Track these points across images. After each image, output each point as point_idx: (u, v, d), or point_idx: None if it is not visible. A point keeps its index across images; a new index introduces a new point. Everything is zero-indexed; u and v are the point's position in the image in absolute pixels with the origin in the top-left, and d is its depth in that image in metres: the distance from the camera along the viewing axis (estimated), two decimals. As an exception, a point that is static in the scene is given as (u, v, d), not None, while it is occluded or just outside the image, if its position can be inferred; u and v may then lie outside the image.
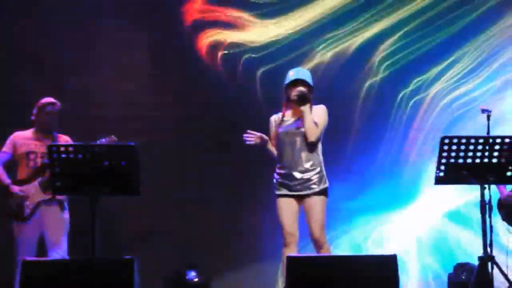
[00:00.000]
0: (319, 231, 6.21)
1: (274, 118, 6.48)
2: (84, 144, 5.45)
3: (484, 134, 5.98)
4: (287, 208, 6.26)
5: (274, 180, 6.35)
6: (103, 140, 6.63)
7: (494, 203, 6.04)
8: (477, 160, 5.32)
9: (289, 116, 6.41)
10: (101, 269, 5.17)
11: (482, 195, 5.43)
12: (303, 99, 6.23)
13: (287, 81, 6.39)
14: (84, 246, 5.28)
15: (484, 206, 5.44)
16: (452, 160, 5.31)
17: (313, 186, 6.23)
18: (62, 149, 5.23)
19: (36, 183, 6.72)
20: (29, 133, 6.92)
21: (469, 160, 5.31)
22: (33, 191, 6.71)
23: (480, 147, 5.30)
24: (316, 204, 6.23)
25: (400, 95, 8.24)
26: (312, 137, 6.24)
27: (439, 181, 5.39)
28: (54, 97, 6.87)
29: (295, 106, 6.35)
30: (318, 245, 6.22)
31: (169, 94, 8.29)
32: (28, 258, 6.26)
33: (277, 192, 6.32)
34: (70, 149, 5.24)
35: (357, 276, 5.17)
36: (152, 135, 7.99)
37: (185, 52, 8.35)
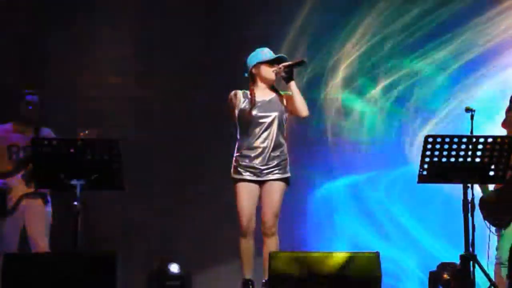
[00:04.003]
0: (272, 219, 5.97)
1: (241, 96, 6.11)
2: (67, 138, 5.45)
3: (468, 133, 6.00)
4: (249, 195, 5.99)
5: (236, 164, 6.06)
6: (86, 132, 6.59)
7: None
8: (460, 159, 5.36)
9: (261, 97, 6.11)
10: (83, 263, 5.16)
11: (465, 194, 5.47)
12: (291, 75, 5.99)
13: (263, 58, 6.10)
14: (66, 239, 5.27)
15: (467, 205, 5.48)
16: (435, 159, 5.34)
17: (278, 172, 6.01)
18: (46, 142, 5.23)
19: (19, 176, 6.69)
20: (9, 126, 6.88)
21: (452, 159, 5.35)
22: (16, 184, 6.68)
23: (463, 146, 5.34)
24: (277, 190, 5.99)
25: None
26: (305, 111, 6.03)
27: (422, 179, 5.42)
28: (39, 90, 6.87)
29: (271, 84, 6.12)
30: (267, 233, 5.98)
31: (154, 89, 8.28)
32: (10, 251, 6.27)
33: (238, 177, 6.03)
34: (54, 143, 5.24)
35: (339, 273, 5.18)
36: (136, 130, 7.99)
37: (173, 47, 8.33)
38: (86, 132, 6.53)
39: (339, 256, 5.39)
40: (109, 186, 5.38)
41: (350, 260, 5.25)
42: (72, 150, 5.22)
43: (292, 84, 6.03)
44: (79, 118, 7.81)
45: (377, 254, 5.18)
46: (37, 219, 6.75)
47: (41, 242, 6.73)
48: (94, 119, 7.67)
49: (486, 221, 6.29)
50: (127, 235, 7.95)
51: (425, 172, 5.38)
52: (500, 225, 6.26)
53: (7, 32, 8.14)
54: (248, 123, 6.06)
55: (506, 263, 5.90)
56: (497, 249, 6.29)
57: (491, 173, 5.42)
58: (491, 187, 6.29)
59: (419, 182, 5.44)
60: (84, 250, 5.29)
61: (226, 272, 7.98)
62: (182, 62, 8.29)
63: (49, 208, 6.82)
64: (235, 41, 7.97)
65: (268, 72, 6.11)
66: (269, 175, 6.02)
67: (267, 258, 5.56)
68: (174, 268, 7.63)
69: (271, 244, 5.99)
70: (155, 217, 8.02)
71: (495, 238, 6.34)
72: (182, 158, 8.14)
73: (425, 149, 5.32)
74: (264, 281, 5.91)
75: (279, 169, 6.03)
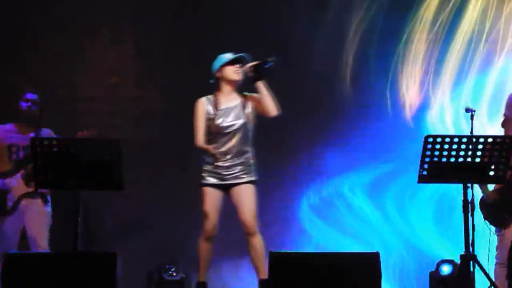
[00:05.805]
0: (253, 219, 6.03)
1: (205, 104, 6.20)
2: (67, 138, 5.45)
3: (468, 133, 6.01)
4: (215, 199, 6.08)
5: (203, 169, 6.13)
6: (86, 131, 6.59)
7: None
8: (460, 159, 5.36)
9: (226, 103, 6.15)
10: (83, 263, 5.16)
11: (465, 194, 5.48)
12: (259, 76, 5.96)
13: (223, 61, 6.12)
14: (66, 239, 5.27)
15: (467, 205, 5.48)
16: (435, 159, 5.35)
17: (243, 175, 6.06)
18: (45, 142, 5.23)
19: (18, 176, 6.69)
20: (11, 126, 6.88)
21: (452, 159, 5.35)
22: (15, 184, 6.69)
23: (463, 146, 5.34)
24: (248, 192, 6.05)
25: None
26: (274, 111, 6.03)
27: (422, 179, 5.43)
28: (39, 91, 6.87)
29: (236, 87, 6.14)
30: (250, 233, 6.03)
31: (154, 88, 8.28)
32: (10, 251, 6.27)
33: (203, 181, 6.11)
34: (53, 142, 5.23)
35: (340, 273, 5.18)
36: (135, 130, 7.99)
37: (172, 47, 8.32)
38: (86, 132, 6.55)
39: (339, 256, 5.40)
40: (109, 186, 5.38)
41: (350, 260, 5.26)
42: (72, 150, 5.22)
43: (259, 84, 6.02)
44: (79, 118, 7.81)
45: (377, 254, 5.19)
46: (37, 219, 6.75)
47: (41, 242, 6.73)
48: (94, 119, 7.67)
49: (486, 221, 6.29)
50: (127, 235, 7.95)
51: (425, 172, 5.39)
52: (500, 225, 6.25)
53: (7, 31, 8.15)
54: (213, 131, 6.13)
55: (506, 263, 5.89)
56: (497, 249, 6.29)
57: (491, 173, 5.42)
58: (491, 187, 6.29)
59: (419, 182, 5.45)
60: (84, 250, 5.28)
61: (225, 273, 7.98)
62: (182, 62, 8.29)
63: (49, 208, 6.82)
64: (236, 40, 7.97)
65: (230, 72, 6.13)
66: (235, 180, 6.08)
67: (255, 257, 5.97)
68: (173, 269, 7.64)
69: (256, 242, 6.06)
70: (155, 217, 8.01)
71: (495, 238, 6.34)
72: (182, 158, 8.12)
73: (425, 149, 5.32)
74: (260, 280, 5.94)
75: (244, 173, 6.09)
